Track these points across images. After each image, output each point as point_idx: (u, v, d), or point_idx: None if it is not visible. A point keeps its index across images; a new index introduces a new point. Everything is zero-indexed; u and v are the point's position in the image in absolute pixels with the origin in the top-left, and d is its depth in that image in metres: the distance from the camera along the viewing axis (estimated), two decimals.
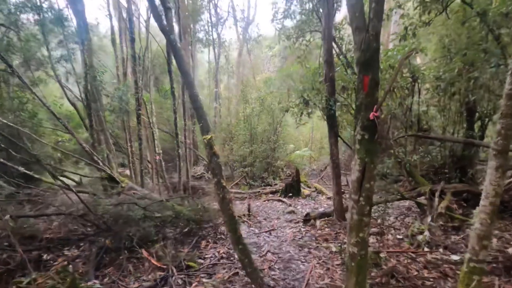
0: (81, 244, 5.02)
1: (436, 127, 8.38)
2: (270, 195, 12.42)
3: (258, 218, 7.53)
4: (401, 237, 5.36)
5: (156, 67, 18.31)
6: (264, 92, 14.95)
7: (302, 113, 7.24)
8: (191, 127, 16.88)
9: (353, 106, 8.91)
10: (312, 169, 18.92)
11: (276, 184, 14.36)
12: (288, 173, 16.44)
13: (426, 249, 4.67)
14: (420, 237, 4.86)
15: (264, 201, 10.25)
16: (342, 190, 6.97)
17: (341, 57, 7.63)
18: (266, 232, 6.24)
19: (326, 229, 6.07)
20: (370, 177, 2.79)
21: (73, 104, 10.69)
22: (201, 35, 18.86)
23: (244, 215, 7.41)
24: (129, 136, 11.45)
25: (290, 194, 10.05)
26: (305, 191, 11.81)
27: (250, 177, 14.61)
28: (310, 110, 7.15)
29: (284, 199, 9.63)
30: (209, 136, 4.13)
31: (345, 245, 3.38)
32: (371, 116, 2.63)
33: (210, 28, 18.27)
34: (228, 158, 14.16)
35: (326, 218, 6.63)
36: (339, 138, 6.96)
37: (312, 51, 9.57)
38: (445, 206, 5.40)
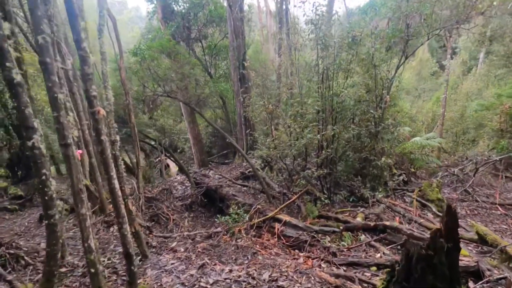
0: None
1: None
2: (363, 236, 5.70)
3: None
4: None
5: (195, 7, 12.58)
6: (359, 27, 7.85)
7: None
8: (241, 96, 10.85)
9: None
10: (446, 170, 10.97)
11: (375, 204, 7.38)
12: (404, 178, 9.08)
13: None
14: None
15: None
16: None
17: None
18: None
19: None
20: None
21: None
22: None
23: None
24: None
25: None
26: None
27: (327, 186, 7.95)
28: None
29: None
30: None
31: None
32: None
33: None
34: (287, 150, 7.71)
35: None
36: None
37: None
38: None
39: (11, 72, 2.35)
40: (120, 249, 4.32)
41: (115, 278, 4.12)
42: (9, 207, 8.08)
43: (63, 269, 4.21)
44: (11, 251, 4.26)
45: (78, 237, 5.73)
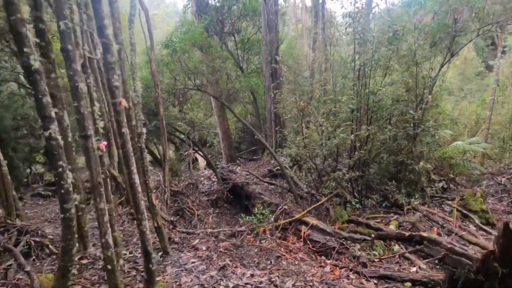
0: None
1: None
2: (396, 246, 5.28)
3: None
4: None
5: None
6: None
7: None
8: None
9: None
10: (491, 178, 10.14)
11: (410, 212, 6.88)
12: (443, 185, 8.47)
13: None
14: None
15: None
16: None
17: None
18: None
19: None
20: None
21: None
22: None
23: None
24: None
25: None
26: None
27: (358, 189, 7.53)
28: None
29: None
30: None
31: None
32: None
33: None
34: (318, 150, 7.38)
35: None
36: None
37: None
38: None
39: (29, 58, 2.25)
40: None
41: (134, 273, 4.03)
42: (43, 193, 8.37)
43: (85, 261, 4.19)
44: (37, 239, 4.29)
45: None
